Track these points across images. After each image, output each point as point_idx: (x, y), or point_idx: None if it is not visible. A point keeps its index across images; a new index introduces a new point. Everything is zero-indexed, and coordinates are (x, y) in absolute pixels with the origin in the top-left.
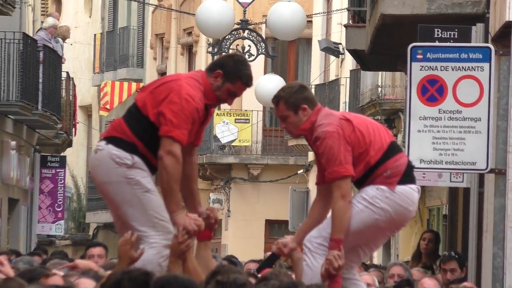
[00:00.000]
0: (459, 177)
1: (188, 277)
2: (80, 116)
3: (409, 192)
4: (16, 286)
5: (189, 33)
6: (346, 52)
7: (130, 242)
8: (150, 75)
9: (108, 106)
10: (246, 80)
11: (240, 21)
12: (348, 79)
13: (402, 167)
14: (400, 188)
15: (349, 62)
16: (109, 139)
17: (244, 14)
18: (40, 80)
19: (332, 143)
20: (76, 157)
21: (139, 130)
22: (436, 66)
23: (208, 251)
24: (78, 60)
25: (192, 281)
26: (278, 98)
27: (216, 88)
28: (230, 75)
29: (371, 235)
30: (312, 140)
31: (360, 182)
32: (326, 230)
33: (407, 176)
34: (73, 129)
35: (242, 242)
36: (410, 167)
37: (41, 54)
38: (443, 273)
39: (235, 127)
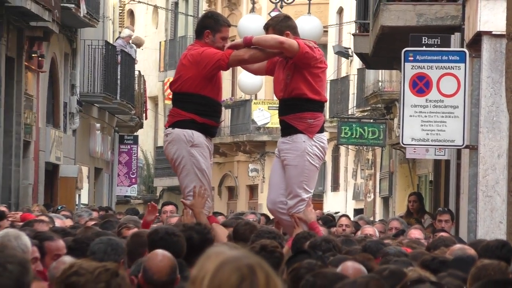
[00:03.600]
0: (442, 151)
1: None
2: (148, 105)
3: (322, 135)
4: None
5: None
6: (354, 55)
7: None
8: None
9: (171, 97)
10: (225, 23)
11: None
12: (355, 76)
13: (320, 123)
14: (317, 135)
15: (357, 62)
16: (173, 125)
17: None
18: (118, 77)
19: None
20: (146, 136)
21: (190, 107)
22: (423, 66)
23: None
24: (147, 61)
25: None
26: (267, 25)
27: (212, 42)
28: (215, 28)
29: (315, 173)
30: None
31: (286, 105)
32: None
33: (321, 129)
34: (144, 114)
35: None
36: (323, 124)
37: (119, 57)
38: (439, 223)
39: (268, 112)
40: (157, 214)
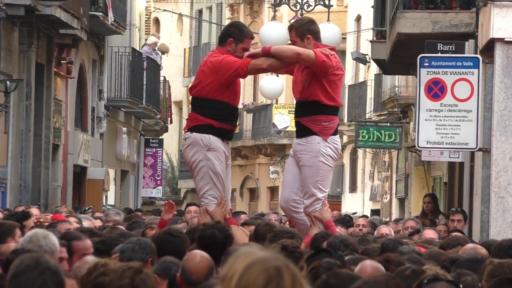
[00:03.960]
0: (456, 154)
1: None
2: (173, 109)
3: (336, 137)
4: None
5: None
6: (372, 61)
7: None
8: None
9: None
10: (249, 35)
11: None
12: (373, 81)
13: (335, 125)
14: (331, 137)
15: (374, 68)
16: (191, 129)
17: None
18: (144, 82)
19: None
20: (171, 140)
21: (208, 112)
22: (438, 71)
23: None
24: (172, 67)
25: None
26: (291, 27)
27: (233, 51)
28: (239, 37)
29: (329, 173)
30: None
31: (302, 108)
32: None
33: (335, 131)
34: (169, 118)
35: None
36: (337, 127)
37: (144, 63)
38: (451, 222)
39: (289, 117)
40: (175, 213)
